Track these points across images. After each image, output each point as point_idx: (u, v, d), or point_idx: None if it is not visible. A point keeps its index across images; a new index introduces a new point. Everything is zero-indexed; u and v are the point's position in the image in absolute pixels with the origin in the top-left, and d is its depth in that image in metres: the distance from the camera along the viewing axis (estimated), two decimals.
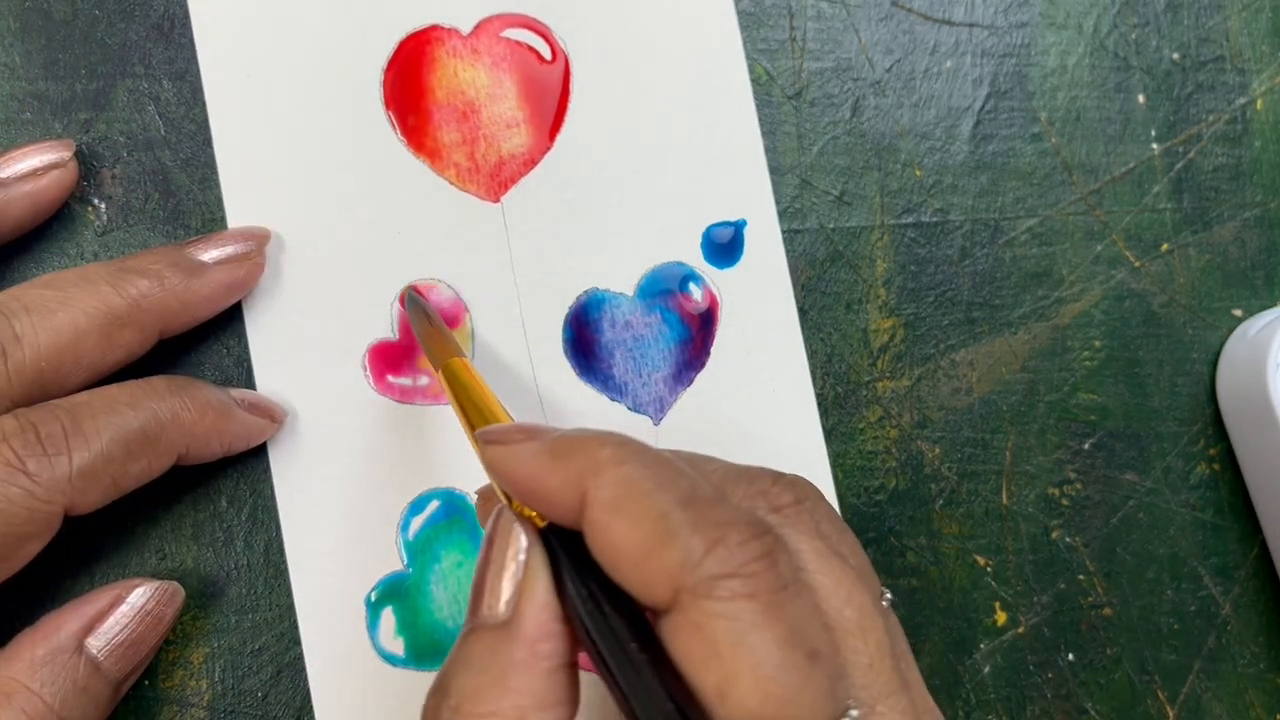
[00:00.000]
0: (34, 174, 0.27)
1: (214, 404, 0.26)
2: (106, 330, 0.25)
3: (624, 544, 0.19)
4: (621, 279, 0.30)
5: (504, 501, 0.21)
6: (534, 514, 0.21)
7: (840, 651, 0.19)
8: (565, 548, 0.20)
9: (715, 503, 0.19)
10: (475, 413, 0.24)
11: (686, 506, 0.19)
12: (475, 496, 0.27)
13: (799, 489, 0.22)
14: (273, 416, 0.28)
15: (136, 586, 0.26)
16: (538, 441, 0.20)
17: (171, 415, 0.25)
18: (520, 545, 0.20)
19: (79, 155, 0.28)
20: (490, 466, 0.21)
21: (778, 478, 0.22)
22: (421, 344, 0.27)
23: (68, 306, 0.24)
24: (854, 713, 0.19)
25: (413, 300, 0.29)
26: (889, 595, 0.22)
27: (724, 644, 0.18)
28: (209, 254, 0.27)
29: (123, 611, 0.25)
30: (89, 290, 0.25)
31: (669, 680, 0.18)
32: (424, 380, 0.29)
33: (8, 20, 0.28)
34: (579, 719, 0.20)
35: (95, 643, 0.25)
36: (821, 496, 0.22)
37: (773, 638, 0.18)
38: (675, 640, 0.18)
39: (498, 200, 0.30)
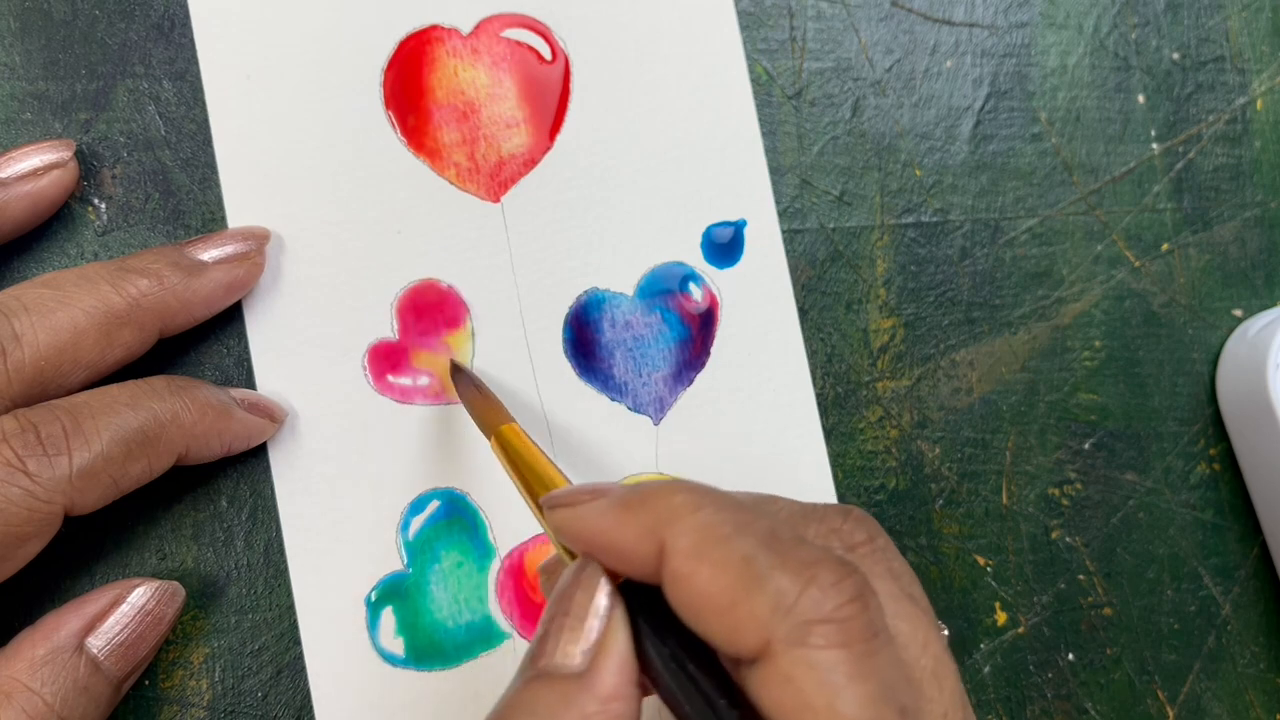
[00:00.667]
0: (34, 174, 0.27)
1: (214, 404, 0.26)
2: (106, 329, 0.25)
3: (709, 591, 0.18)
4: (621, 279, 0.30)
5: (569, 562, 0.21)
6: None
7: (919, 701, 0.19)
8: (640, 605, 0.19)
9: (798, 543, 0.18)
10: (533, 478, 0.23)
11: (770, 549, 0.18)
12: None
13: (869, 526, 0.21)
14: (273, 416, 0.28)
15: (137, 586, 0.26)
16: (606, 498, 0.20)
17: (171, 415, 0.25)
18: (603, 599, 0.19)
19: (79, 155, 0.28)
20: (560, 530, 0.21)
21: (846, 514, 0.21)
22: (470, 412, 0.27)
23: (67, 306, 0.24)
24: None
25: (457, 369, 0.29)
26: (946, 631, 0.21)
27: (818, 698, 0.17)
28: (209, 253, 0.27)
29: (123, 611, 0.25)
30: (88, 289, 0.25)
31: None
32: (424, 380, 0.29)
33: (8, 20, 0.28)
34: None
35: (95, 642, 0.25)
36: (884, 532, 0.21)
37: (867, 694, 0.17)
38: (765, 691, 0.17)
39: (498, 200, 0.30)
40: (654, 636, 0.19)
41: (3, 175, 0.26)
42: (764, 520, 0.19)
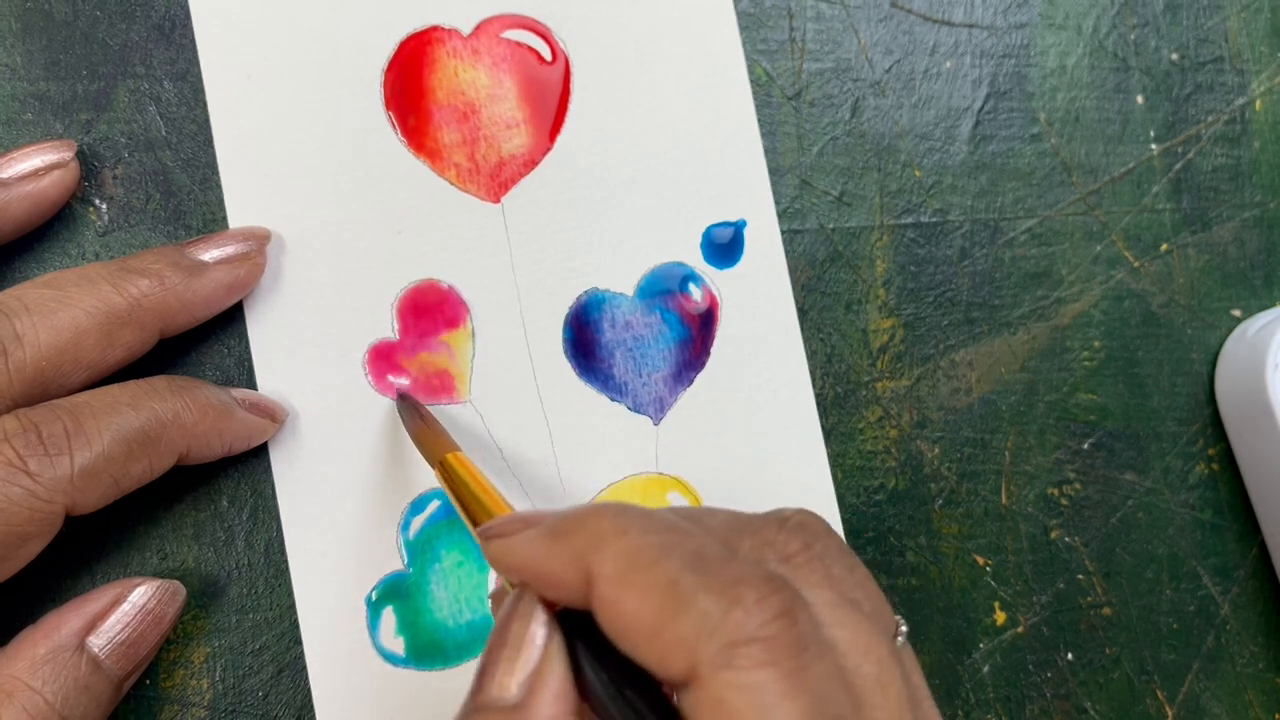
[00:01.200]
0: (35, 174, 0.27)
1: (215, 404, 0.26)
2: (107, 329, 0.25)
3: (635, 617, 0.18)
4: (621, 279, 0.31)
5: (511, 594, 0.21)
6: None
7: (861, 709, 0.18)
8: (579, 632, 0.19)
9: (725, 561, 0.18)
10: (476, 506, 0.24)
11: (695, 569, 0.18)
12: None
13: (806, 531, 0.21)
14: (273, 416, 0.28)
15: (138, 585, 0.26)
16: (537, 527, 0.20)
17: (173, 415, 0.25)
18: (539, 629, 0.19)
19: (80, 156, 0.28)
20: (494, 561, 0.21)
21: (782, 523, 0.21)
22: (415, 442, 0.27)
23: (68, 306, 0.24)
24: None
25: (403, 399, 0.29)
26: (904, 628, 0.21)
27: (753, 717, 0.17)
28: (209, 254, 0.27)
29: (124, 610, 0.25)
30: (89, 289, 0.25)
31: None
32: (424, 380, 0.29)
33: (9, 21, 0.28)
34: None
35: (96, 641, 0.25)
36: (829, 531, 0.21)
37: (799, 710, 0.17)
38: (697, 715, 0.17)
39: (498, 201, 0.30)
40: (593, 664, 0.19)
41: (4, 175, 0.26)
42: (692, 540, 0.19)
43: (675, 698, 0.18)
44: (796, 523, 0.21)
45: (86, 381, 0.25)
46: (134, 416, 0.24)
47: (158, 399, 0.25)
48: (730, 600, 0.17)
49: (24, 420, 0.23)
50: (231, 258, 0.27)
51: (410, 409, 0.28)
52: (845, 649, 0.19)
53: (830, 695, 0.17)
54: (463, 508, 0.24)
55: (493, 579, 0.29)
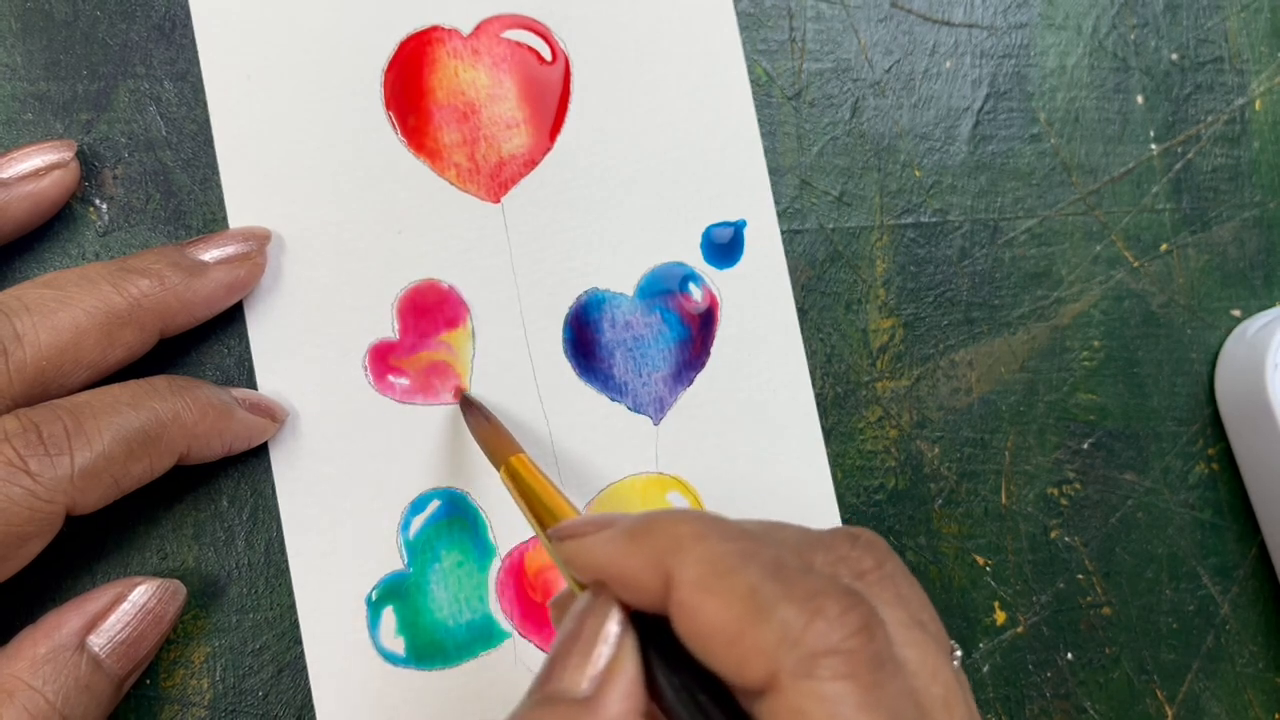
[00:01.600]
0: (35, 174, 0.27)
1: (215, 404, 0.26)
2: (107, 329, 0.25)
3: (715, 623, 0.18)
4: (621, 279, 0.31)
5: (579, 593, 0.21)
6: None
7: None
8: (649, 634, 0.19)
9: (804, 572, 0.18)
10: (542, 509, 0.24)
11: (776, 579, 0.18)
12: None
13: (876, 551, 0.21)
14: (274, 416, 0.28)
15: (138, 584, 0.26)
16: (613, 529, 0.20)
17: (173, 415, 0.25)
18: (614, 626, 0.19)
19: (80, 155, 0.28)
20: (568, 562, 0.21)
21: (854, 540, 0.21)
22: (480, 444, 0.27)
23: (68, 306, 0.24)
24: None
25: (467, 401, 0.29)
26: (958, 653, 0.21)
27: None
28: (210, 254, 0.27)
29: (124, 609, 0.25)
30: (89, 289, 0.25)
31: None
32: (425, 380, 0.29)
33: (9, 21, 0.28)
34: None
35: (97, 640, 0.25)
36: (894, 553, 0.21)
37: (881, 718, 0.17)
38: None
39: (498, 201, 0.30)
40: (665, 668, 0.19)
41: (4, 175, 0.26)
42: (770, 549, 0.19)
43: (749, 707, 0.18)
44: (867, 540, 0.21)
45: (87, 381, 0.25)
46: (134, 416, 0.24)
47: (158, 399, 0.25)
48: (812, 612, 0.17)
49: (24, 420, 0.23)
50: (232, 258, 0.27)
51: (474, 411, 0.28)
52: (914, 669, 0.19)
53: (903, 713, 0.17)
54: (529, 509, 0.24)
55: (493, 578, 0.29)
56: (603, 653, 0.19)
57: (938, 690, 0.19)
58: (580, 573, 0.20)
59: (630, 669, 0.19)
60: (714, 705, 0.18)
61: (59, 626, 0.24)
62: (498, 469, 0.26)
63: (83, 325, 0.25)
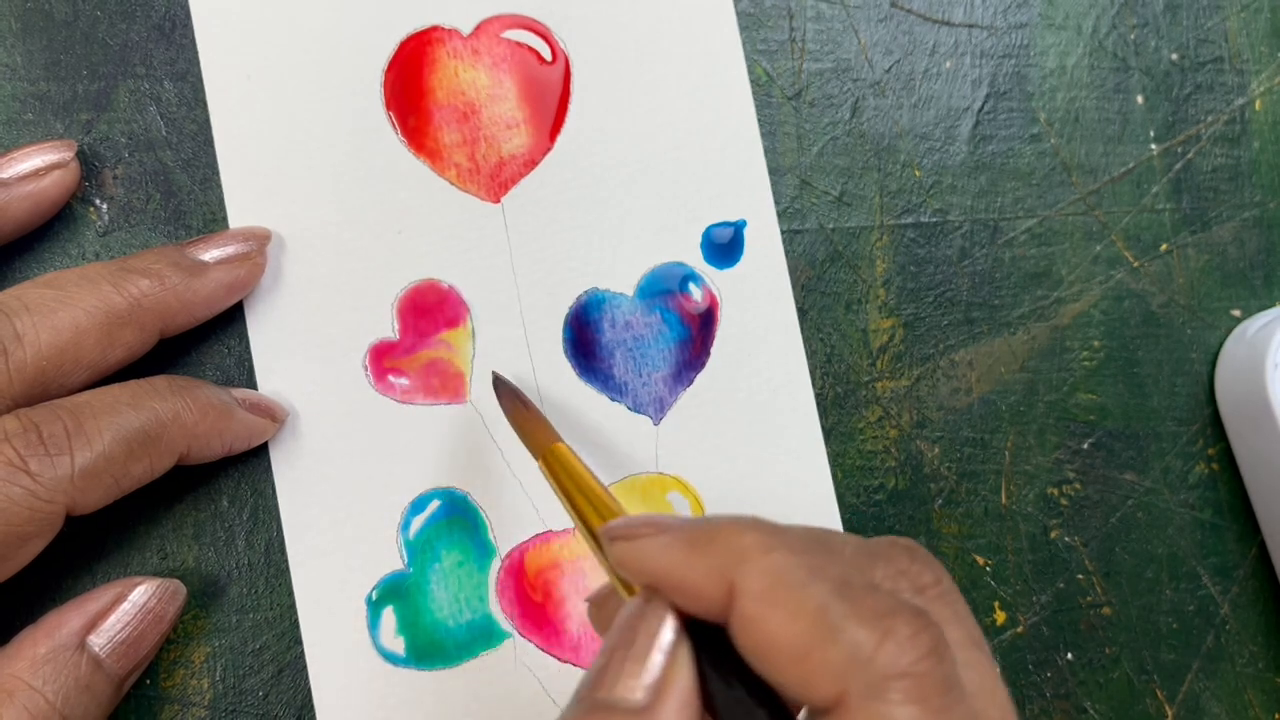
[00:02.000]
0: (36, 174, 0.27)
1: (215, 404, 0.26)
2: (107, 329, 0.25)
3: (782, 638, 0.17)
4: (621, 279, 0.31)
5: (626, 597, 0.20)
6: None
7: None
8: (705, 644, 0.19)
9: (871, 590, 0.18)
10: (584, 503, 0.23)
11: (844, 597, 0.18)
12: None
13: (934, 566, 0.20)
14: (274, 416, 0.28)
15: (138, 584, 0.26)
16: (670, 534, 0.19)
17: (173, 415, 0.25)
18: (668, 634, 0.19)
19: (80, 155, 0.28)
20: (620, 563, 0.20)
21: (911, 554, 0.21)
22: (516, 431, 0.27)
23: (68, 305, 0.24)
24: None
25: (499, 381, 0.28)
26: (996, 671, 0.21)
27: None
28: (210, 254, 0.27)
29: (124, 609, 0.25)
30: (90, 289, 0.25)
31: None
32: (425, 380, 0.29)
33: (9, 21, 0.28)
34: None
35: (97, 640, 0.25)
36: (945, 570, 0.21)
37: None
38: None
39: (498, 201, 0.30)
40: (718, 678, 0.18)
41: (4, 175, 0.26)
42: (836, 565, 0.18)
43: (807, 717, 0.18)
44: (924, 556, 0.21)
45: (87, 381, 0.25)
46: (134, 416, 0.24)
47: (158, 399, 0.25)
48: (883, 633, 0.17)
49: (24, 420, 0.23)
50: (232, 257, 0.27)
51: (508, 394, 0.27)
52: (975, 690, 0.19)
53: None
54: (571, 504, 0.23)
55: (493, 578, 0.29)
56: (657, 661, 0.18)
57: (995, 714, 0.19)
58: (634, 576, 0.20)
59: (686, 679, 0.18)
60: (769, 716, 0.18)
61: (59, 626, 0.24)
62: (535, 458, 0.25)
63: (83, 325, 0.25)
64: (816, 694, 0.17)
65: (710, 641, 0.19)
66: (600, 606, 0.24)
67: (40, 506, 0.23)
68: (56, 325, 0.24)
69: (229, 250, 0.27)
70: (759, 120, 0.32)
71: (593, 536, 0.22)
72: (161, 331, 0.26)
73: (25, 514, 0.23)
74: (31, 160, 0.27)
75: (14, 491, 0.23)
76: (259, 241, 0.28)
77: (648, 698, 0.18)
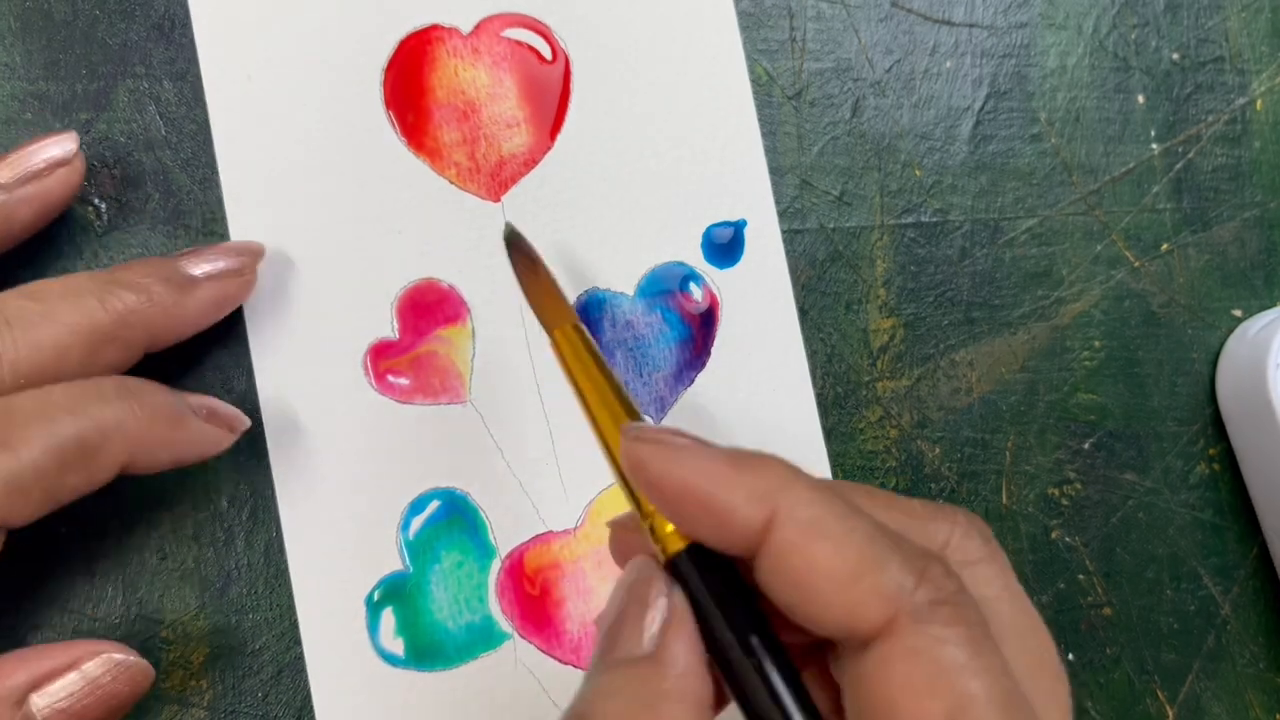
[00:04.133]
0: (38, 174, 0.26)
1: (166, 411, 0.24)
2: (91, 346, 0.24)
3: (830, 565, 0.18)
4: (621, 279, 0.30)
5: (640, 514, 0.20)
6: (669, 532, 0.19)
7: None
8: (702, 573, 0.19)
9: (902, 536, 0.19)
10: (596, 395, 0.21)
11: (884, 534, 0.18)
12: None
13: (979, 524, 0.21)
14: (232, 426, 0.26)
15: (99, 654, 0.24)
16: (711, 449, 0.19)
17: (116, 423, 0.23)
18: (663, 588, 0.19)
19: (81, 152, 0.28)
20: (645, 468, 0.19)
21: (971, 519, 0.21)
22: (528, 298, 0.24)
23: (52, 321, 0.23)
24: None
25: (515, 240, 0.26)
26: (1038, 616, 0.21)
27: (952, 671, 0.17)
28: (200, 268, 0.26)
29: (71, 678, 0.23)
30: (74, 304, 0.24)
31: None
32: (425, 380, 0.29)
33: (8, 20, 0.28)
34: None
35: (40, 701, 0.23)
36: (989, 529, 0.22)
37: (996, 668, 0.17)
38: (888, 667, 0.17)
39: (498, 200, 0.30)
40: (718, 614, 0.19)
41: (4, 179, 0.25)
42: (868, 518, 0.19)
43: (830, 658, 0.19)
44: (979, 524, 0.21)
45: None
46: (71, 424, 0.22)
47: (102, 404, 0.23)
48: (920, 570, 0.18)
49: None
50: (223, 273, 0.26)
51: (524, 256, 0.25)
52: (1020, 632, 0.19)
53: (1005, 669, 0.18)
54: (581, 392, 0.22)
55: (493, 579, 0.29)
56: (657, 615, 0.19)
57: (1036, 648, 0.19)
58: (658, 486, 0.19)
59: (689, 624, 0.19)
60: (767, 652, 0.18)
61: (5, 676, 0.23)
62: (548, 333, 0.23)
63: (65, 343, 0.23)
64: (865, 620, 0.17)
65: (709, 576, 0.19)
66: (623, 530, 0.23)
67: None
68: (38, 342, 0.23)
69: (220, 265, 0.26)
70: (759, 120, 0.31)
71: (602, 434, 0.21)
72: (147, 347, 0.25)
73: None
74: (33, 159, 0.26)
75: None
76: (251, 257, 0.27)
77: (653, 645, 0.19)
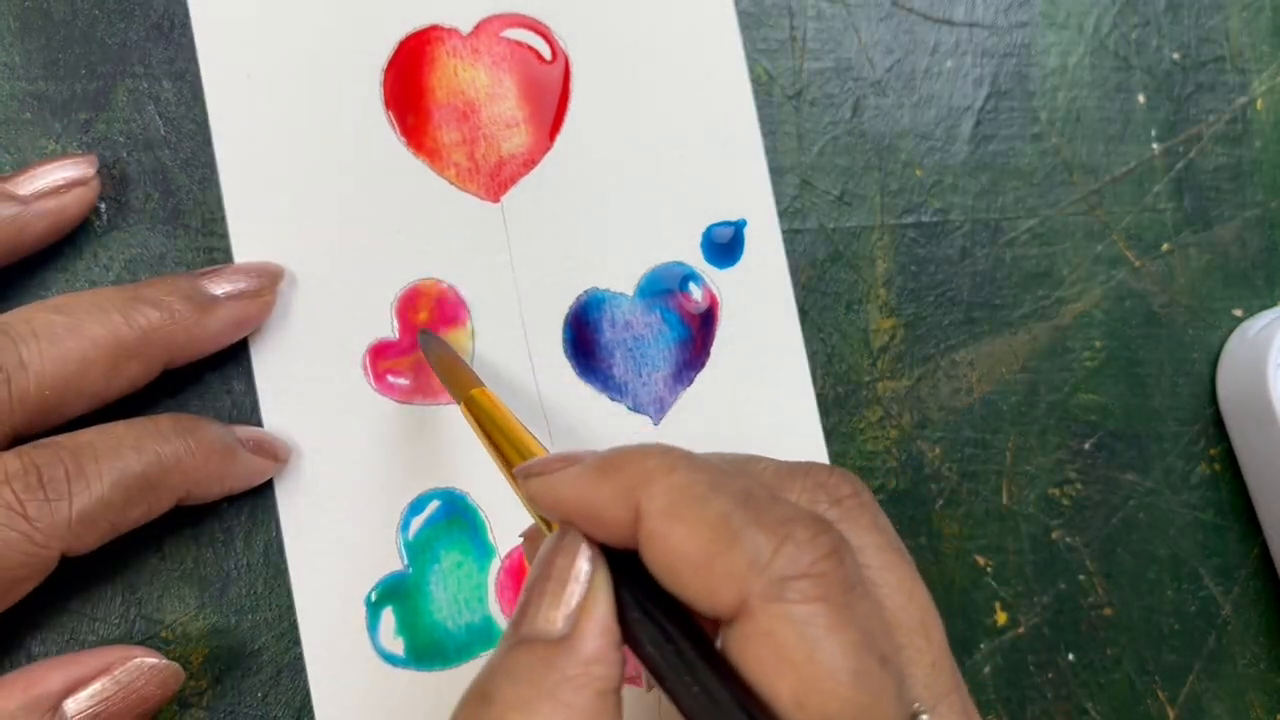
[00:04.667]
0: (56, 190, 0.26)
1: (219, 447, 0.26)
2: (114, 361, 0.24)
3: (685, 549, 0.18)
4: (621, 279, 0.30)
5: (547, 533, 0.21)
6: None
7: (904, 650, 0.19)
8: (618, 569, 0.19)
9: (773, 501, 0.19)
10: (506, 445, 0.23)
11: (745, 507, 0.18)
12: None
13: (854, 481, 0.21)
14: (276, 456, 0.27)
15: (133, 658, 0.25)
16: (579, 465, 0.20)
17: (175, 460, 0.25)
18: (584, 564, 0.19)
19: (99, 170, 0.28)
20: (535, 499, 0.20)
21: (831, 470, 0.21)
22: (441, 379, 0.27)
23: (77, 335, 0.24)
24: (923, 717, 0.19)
25: (426, 336, 0.29)
26: (914, 571, 0.22)
27: (798, 651, 0.17)
28: (222, 288, 0.27)
29: (104, 684, 0.24)
30: (100, 319, 0.24)
31: (741, 694, 0.17)
32: (425, 380, 0.29)
33: (8, 20, 0.28)
34: None
35: (72, 706, 0.24)
36: (869, 490, 0.22)
37: (849, 642, 0.17)
38: (745, 647, 0.18)
39: (498, 200, 0.30)
40: (636, 604, 0.19)
41: (22, 192, 0.26)
42: (739, 480, 0.19)
43: (718, 635, 0.18)
44: (845, 472, 0.22)
45: (86, 409, 0.25)
46: (136, 460, 0.24)
47: (162, 441, 0.25)
48: (781, 537, 0.18)
49: (25, 461, 0.23)
50: (244, 293, 0.27)
51: (435, 345, 0.28)
52: (890, 591, 0.19)
53: (876, 632, 0.18)
54: (492, 446, 0.23)
55: (493, 578, 0.29)
56: (575, 591, 0.19)
57: (915, 612, 0.19)
58: (548, 510, 0.20)
59: (604, 605, 0.19)
60: (684, 638, 0.18)
61: (38, 683, 0.24)
62: (458, 402, 0.25)
63: (90, 356, 0.24)
64: (720, 602, 0.18)
65: (628, 571, 0.19)
66: (533, 542, 0.24)
67: (35, 551, 0.23)
68: (64, 355, 0.24)
69: (240, 285, 0.27)
70: (759, 120, 0.31)
71: (510, 480, 0.22)
72: (166, 364, 0.26)
73: (20, 558, 0.22)
74: (52, 176, 0.26)
75: (10, 536, 0.22)
76: (271, 279, 0.28)
77: (567, 626, 0.19)
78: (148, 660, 0.25)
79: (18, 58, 0.28)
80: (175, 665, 0.25)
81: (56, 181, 0.26)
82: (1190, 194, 0.34)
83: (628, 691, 0.28)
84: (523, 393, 0.30)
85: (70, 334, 0.24)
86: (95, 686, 0.24)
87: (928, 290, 0.32)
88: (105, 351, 0.24)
